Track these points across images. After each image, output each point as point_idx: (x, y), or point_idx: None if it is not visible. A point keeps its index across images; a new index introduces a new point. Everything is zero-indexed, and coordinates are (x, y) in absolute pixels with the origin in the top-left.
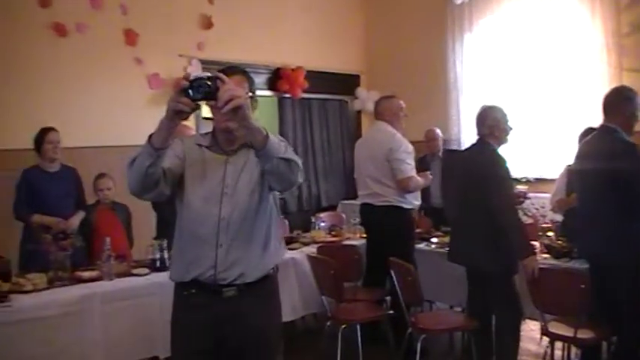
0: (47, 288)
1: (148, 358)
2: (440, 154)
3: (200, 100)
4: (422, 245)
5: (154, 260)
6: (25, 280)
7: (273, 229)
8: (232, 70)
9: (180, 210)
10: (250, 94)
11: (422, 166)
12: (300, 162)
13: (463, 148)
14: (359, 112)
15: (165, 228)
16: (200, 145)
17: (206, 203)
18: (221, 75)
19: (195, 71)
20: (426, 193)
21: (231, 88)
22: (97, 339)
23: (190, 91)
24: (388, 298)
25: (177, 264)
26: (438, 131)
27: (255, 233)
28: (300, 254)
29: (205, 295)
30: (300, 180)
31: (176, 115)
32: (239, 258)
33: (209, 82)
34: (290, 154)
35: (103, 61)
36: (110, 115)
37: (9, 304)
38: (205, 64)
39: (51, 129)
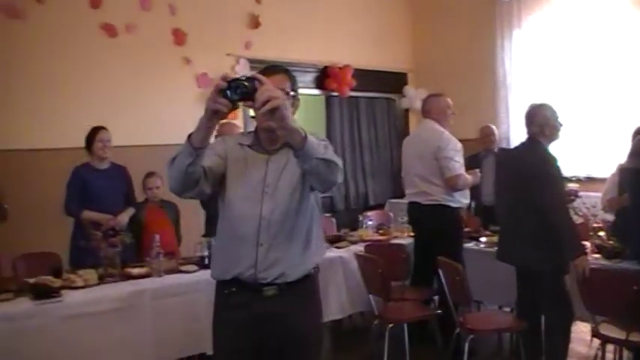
0: (98, 284)
1: (196, 355)
2: (495, 150)
3: (238, 100)
4: (470, 244)
5: (202, 257)
6: (76, 276)
7: (314, 229)
8: (274, 69)
9: (222, 209)
10: (292, 92)
11: (472, 163)
12: (340, 162)
13: (512, 146)
14: (406, 111)
15: (214, 225)
16: (242, 145)
17: (247, 202)
18: (259, 76)
19: (243, 70)
20: (476, 190)
21: (269, 89)
22: (147, 334)
23: (228, 91)
24: (436, 297)
25: (218, 262)
26: (494, 127)
27: (296, 233)
28: (348, 253)
29: (246, 294)
30: (340, 180)
31: (214, 114)
32: (279, 257)
33: (247, 83)
34: (329, 154)
35: (152, 61)
36: (159, 115)
37: (60, 299)
38: (253, 63)
39: (101, 128)
